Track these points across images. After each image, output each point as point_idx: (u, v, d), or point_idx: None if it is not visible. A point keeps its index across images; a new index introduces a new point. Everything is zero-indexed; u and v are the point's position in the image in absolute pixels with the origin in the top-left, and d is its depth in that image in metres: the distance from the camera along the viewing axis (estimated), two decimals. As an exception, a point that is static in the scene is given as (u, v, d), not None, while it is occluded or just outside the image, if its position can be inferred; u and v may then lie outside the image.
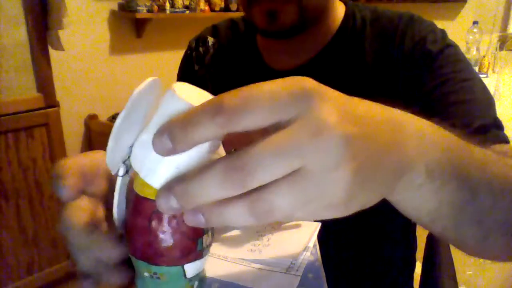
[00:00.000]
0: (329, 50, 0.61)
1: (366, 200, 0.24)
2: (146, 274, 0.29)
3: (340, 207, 0.23)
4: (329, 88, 0.24)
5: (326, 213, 0.23)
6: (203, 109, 0.23)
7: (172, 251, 0.28)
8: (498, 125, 0.53)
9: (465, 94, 0.53)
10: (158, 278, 0.29)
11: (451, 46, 0.58)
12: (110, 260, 0.29)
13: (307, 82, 0.23)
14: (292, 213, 0.22)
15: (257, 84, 0.23)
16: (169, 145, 0.24)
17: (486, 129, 0.50)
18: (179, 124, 0.23)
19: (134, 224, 0.29)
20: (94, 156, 0.33)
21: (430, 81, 0.55)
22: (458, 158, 0.32)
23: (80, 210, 0.30)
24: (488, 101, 0.55)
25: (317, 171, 0.21)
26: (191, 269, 0.30)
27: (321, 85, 0.23)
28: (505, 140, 0.51)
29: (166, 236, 0.28)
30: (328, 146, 0.21)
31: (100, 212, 0.32)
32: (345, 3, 0.64)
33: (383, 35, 0.60)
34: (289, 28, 0.56)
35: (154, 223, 0.28)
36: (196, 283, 0.31)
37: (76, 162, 0.31)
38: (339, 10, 0.63)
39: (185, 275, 0.30)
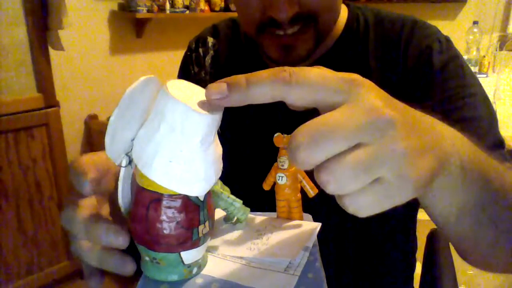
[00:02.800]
0: (333, 53, 0.61)
1: (414, 183, 0.25)
2: (147, 258, 0.32)
3: (393, 187, 0.24)
4: (373, 83, 0.26)
5: (381, 194, 0.24)
6: (267, 72, 0.25)
7: (168, 239, 0.30)
8: (500, 144, 0.53)
9: (468, 112, 0.53)
10: (158, 263, 0.31)
11: (456, 57, 0.57)
12: (119, 245, 0.30)
13: (355, 75, 0.25)
14: (348, 187, 0.24)
15: (318, 66, 0.26)
16: (224, 92, 0.25)
17: (490, 149, 0.49)
18: (243, 78, 0.25)
19: (135, 212, 0.31)
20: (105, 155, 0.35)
21: (433, 96, 0.55)
22: (482, 161, 0.36)
23: (89, 206, 0.32)
24: (491, 118, 0.55)
25: (374, 144, 0.24)
26: (188, 256, 0.31)
27: (367, 79, 0.26)
28: (507, 159, 0.52)
29: (162, 225, 0.30)
30: (381, 124, 0.24)
31: (106, 208, 0.34)
32: (348, 5, 0.64)
33: (387, 39, 0.59)
34: (305, 57, 0.55)
35: (151, 212, 0.30)
36: (195, 269, 0.33)
37: (93, 160, 0.33)
38: (342, 13, 0.63)
39: (182, 262, 0.31)
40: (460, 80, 0.55)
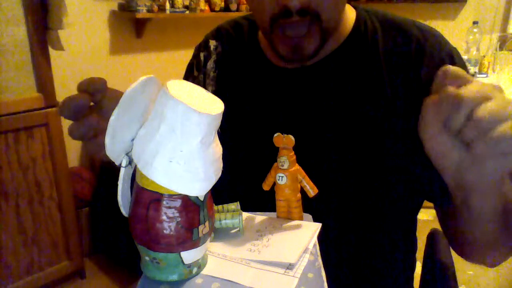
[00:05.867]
0: (341, 52, 0.61)
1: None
2: (147, 258, 0.32)
3: None
4: None
5: None
6: None
7: (168, 239, 0.30)
8: None
9: None
10: (158, 263, 0.31)
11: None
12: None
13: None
14: None
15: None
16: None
17: None
18: None
19: (135, 211, 0.31)
20: None
21: None
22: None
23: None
24: None
25: None
26: (188, 256, 0.31)
27: None
28: None
29: (162, 225, 0.30)
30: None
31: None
32: (355, 8, 0.64)
33: (396, 48, 0.59)
34: (312, 55, 0.57)
35: (151, 212, 0.30)
36: (195, 269, 0.33)
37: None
38: (350, 15, 0.63)
39: (182, 262, 0.31)
40: None
